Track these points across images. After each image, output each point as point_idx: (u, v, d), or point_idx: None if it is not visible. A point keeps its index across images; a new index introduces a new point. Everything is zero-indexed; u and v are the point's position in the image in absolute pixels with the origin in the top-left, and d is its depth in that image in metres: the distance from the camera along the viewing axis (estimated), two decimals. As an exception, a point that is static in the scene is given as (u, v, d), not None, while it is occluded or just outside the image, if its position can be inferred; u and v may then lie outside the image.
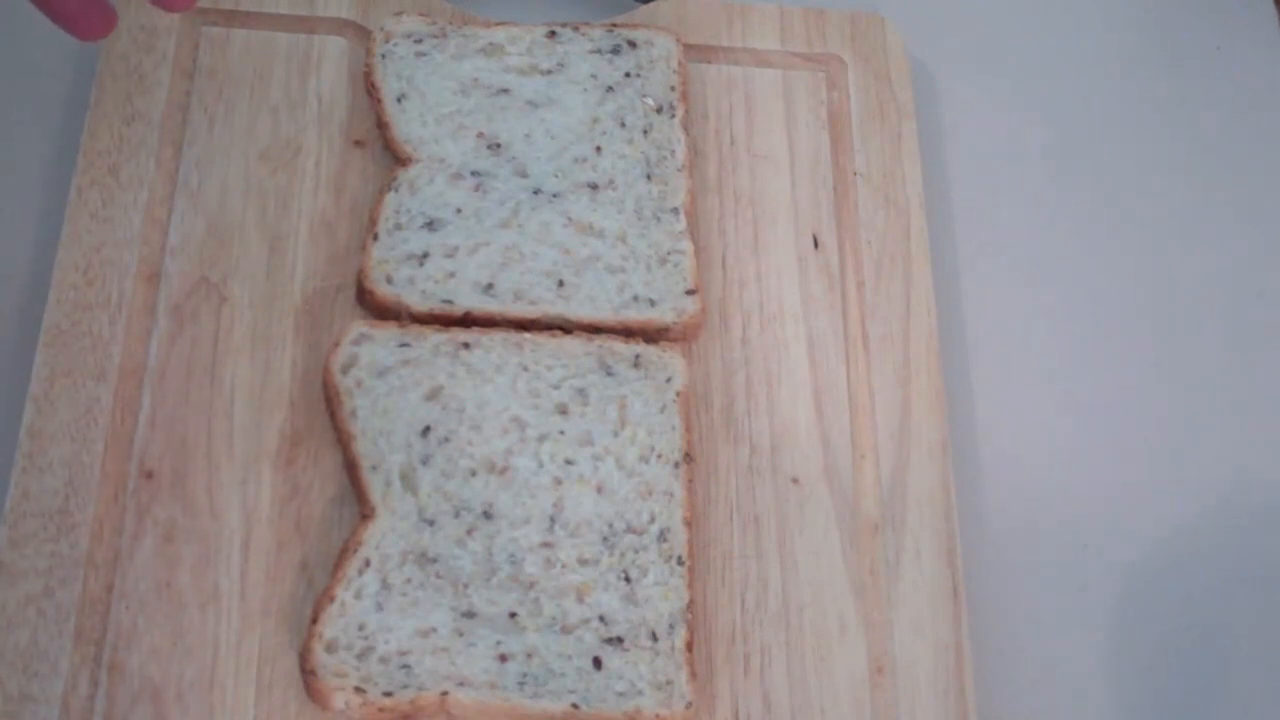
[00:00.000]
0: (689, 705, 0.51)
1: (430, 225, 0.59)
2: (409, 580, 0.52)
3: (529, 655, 0.51)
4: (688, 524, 0.55)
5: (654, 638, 0.52)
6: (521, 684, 0.51)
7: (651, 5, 0.66)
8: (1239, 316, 0.65)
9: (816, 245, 0.62)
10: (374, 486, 0.53)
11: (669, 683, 0.52)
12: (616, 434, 0.55)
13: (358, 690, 0.50)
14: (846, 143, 0.64)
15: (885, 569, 0.56)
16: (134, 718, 0.50)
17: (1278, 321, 0.65)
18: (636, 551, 0.53)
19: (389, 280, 0.57)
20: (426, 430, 0.54)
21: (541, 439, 0.55)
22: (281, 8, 0.64)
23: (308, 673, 0.50)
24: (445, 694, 0.50)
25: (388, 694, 0.50)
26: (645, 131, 0.62)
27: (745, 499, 0.57)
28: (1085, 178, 0.68)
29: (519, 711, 0.51)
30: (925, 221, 0.63)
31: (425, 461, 0.54)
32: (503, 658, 0.51)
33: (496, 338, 0.56)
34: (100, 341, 0.56)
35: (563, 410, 0.55)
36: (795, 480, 0.57)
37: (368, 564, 0.52)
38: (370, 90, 0.61)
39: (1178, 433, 0.62)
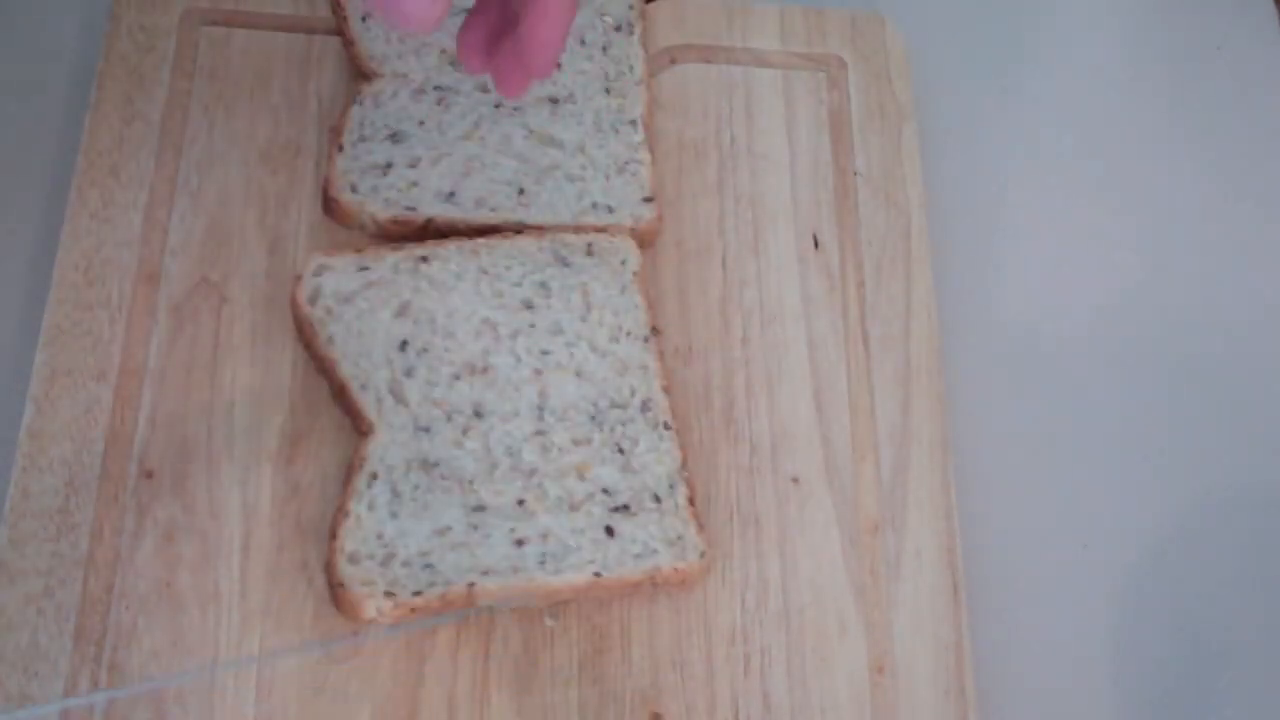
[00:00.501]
0: (702, 555, 0.54)
1: (394, 137, 0.60)
2: (417, 486, 0.54)
3: (544, 536, 0.53)
4: (666, 391, 0.57)
5: (657, 499, 0.55)
6: (542, 563, 0.53)
7: (651, 5, 0.66)
8: (1240, 316, 0.65)
9: (816, 245, 0.62)
10: (367, 403, 0.55)
11: (680, 538, 0.54)
12: (584, 319, 0.57)
13: (387, 595, 0.51)
14: (846, 143, 0.64)
15: (885, 569, 0.56)
16: (134, 718, 0.50)
17: (1279, 323, 0.65)
18: (624, 424, 0.56)
19: (353, 189, 0.59)
20: (404, 344, 0.56)
21: (514, 335, 0.57)
22: (282, 8, 0.64)
23: (336, 586, 0.51)
24: (471, 585, 0.52)
25: (416, 594, 0.51)
26: (604, 48, 0.64)
27: (745, 499, 0.57)
28: (1085, 177, 0.68)
29: (545, 589, 0.52)
30: (925, 221, 0.63)
31: (409, 374, 0.55)
32: (519, 542, 0.53)
33: (452, 247, 0.58)
34: (100, 341, 0.56)
35: (529, 305, 0.57)
36: (795, 480, 0.57)
37: (375, 476, 0.54)
38: (335, 9, 0.63)
39: (1178, 433, 0.62)
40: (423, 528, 0.53)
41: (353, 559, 0.52)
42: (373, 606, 0.51)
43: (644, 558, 0.53)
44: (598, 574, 0.53)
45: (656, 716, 0.53)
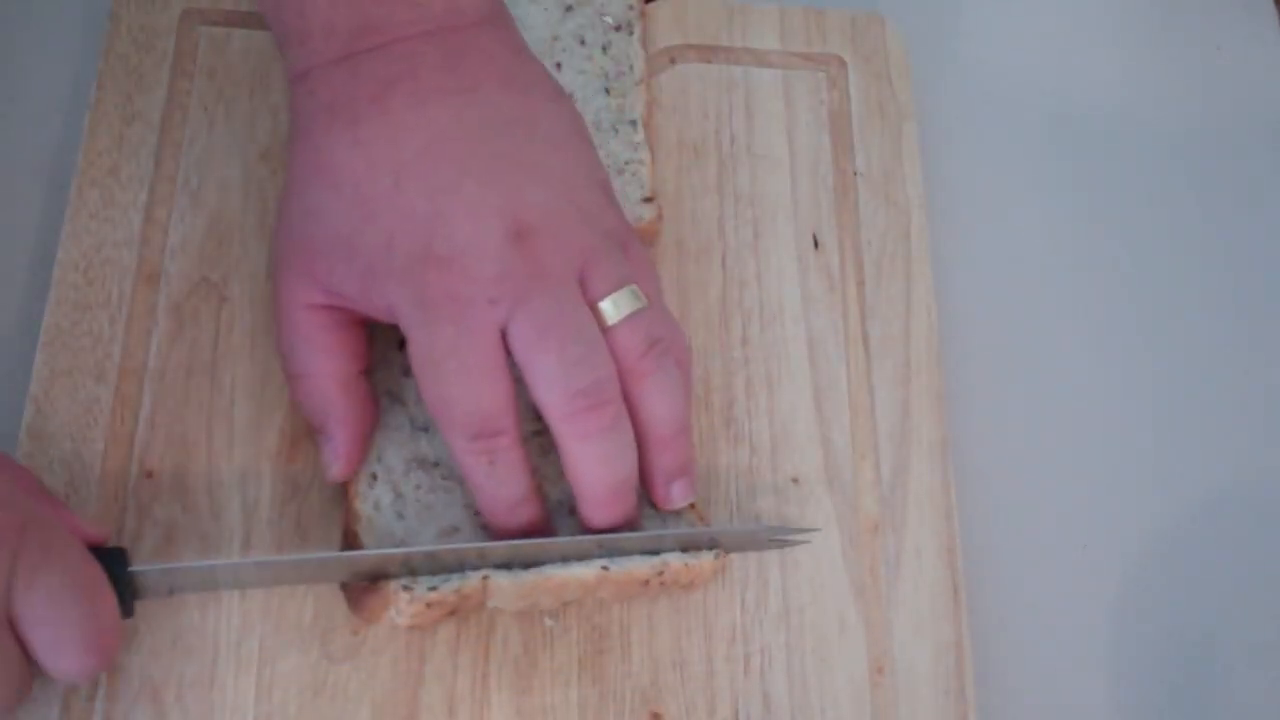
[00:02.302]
0: (716, 555, 0.53)
1: None
2: (419, 486, 0.53)
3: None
4: None
5: None
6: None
7: (651, 5, 0.66)
8: (1238, 316, 0.65)
9: (816, 245, 0.62)
10: None
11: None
12: None
13: (405, 589, 0.50)
14: (846, 143, 0.64)
15: (885, 569, 0.56)
16: (134, 718, 0.50)
17: (1277, 321, 0.65)
18: None
19: None
20: (402, 344, 0.55)
21: None
22: (281, 8, 0.64)
23: (355, 585, 0.51)
24: (486, 578, 0.51)
25: (432, 589, 0.50)
26: (604, 48, 0.64)
27: (745, 499, 0.57)
28: (1084, 178, 0.68)
29: (555, 582, 0.51)
30: (925, 221, 0.63)
31: (407, 373, 0.55)
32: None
33: None
34: (100, 341, 0.56)
35: None
36: (795, 480, 0.57)
37: (375, 478, 0.53)
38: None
39: (1177, 432, 0.62)
40: (429, 528, 0.53)
41: None
42: (390, 604, 0.51)
43: (653, 554, 0.53)
44: (605, 568, 0.52)
45: (656, 716, 0.53)
